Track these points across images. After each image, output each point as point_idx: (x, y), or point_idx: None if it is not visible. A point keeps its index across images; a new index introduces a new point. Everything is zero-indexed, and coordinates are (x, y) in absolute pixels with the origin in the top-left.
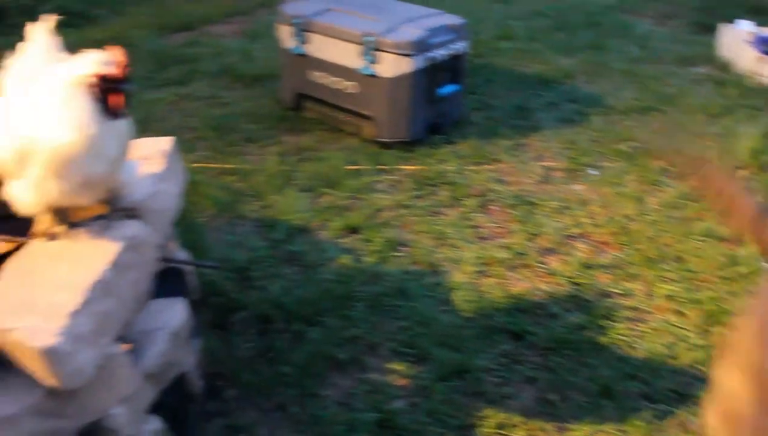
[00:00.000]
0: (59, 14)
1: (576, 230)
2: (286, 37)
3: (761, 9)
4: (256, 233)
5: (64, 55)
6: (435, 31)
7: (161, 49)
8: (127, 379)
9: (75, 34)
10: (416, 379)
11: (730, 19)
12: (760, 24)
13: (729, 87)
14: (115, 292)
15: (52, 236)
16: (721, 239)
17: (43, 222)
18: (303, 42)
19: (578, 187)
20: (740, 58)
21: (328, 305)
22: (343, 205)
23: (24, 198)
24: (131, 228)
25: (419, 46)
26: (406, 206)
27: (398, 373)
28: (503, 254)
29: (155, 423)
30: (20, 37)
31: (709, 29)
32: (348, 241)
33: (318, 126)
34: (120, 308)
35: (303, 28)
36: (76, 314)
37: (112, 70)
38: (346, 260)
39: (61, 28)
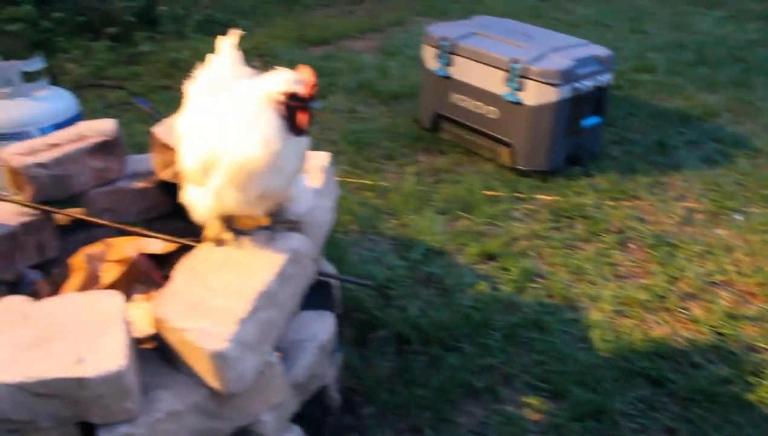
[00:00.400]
0: (206, 22)
1: (720, 277)
2: (429, 58)
3: None
4: (394, 252)
5: (247, 69)
6: (582, 61)
7: (300, 61)
8: (279, 387)
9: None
10: (550, 415)
11: None
12: None
13: None
14: (278, 302)
15: (220, 242)
16: None
17: (213, 228)
18: (447, 64)
19: (722, 232)
20: None
21: (465, 331)
22: (479, 230)
23: (201, 205)
24: (294, 241)
25: (566, 76)
26: (543, 237)
27: (532, 407)
28: (642, 296)
29: (297, 433)
30: (171, 44)
31: None
32: (484, 267)
33: (454, 148)
34: (280, 317)
35: (449, 51)
36: (244, 322)
37: (301, 89)
38: (482, 286)
39: (206, 35)
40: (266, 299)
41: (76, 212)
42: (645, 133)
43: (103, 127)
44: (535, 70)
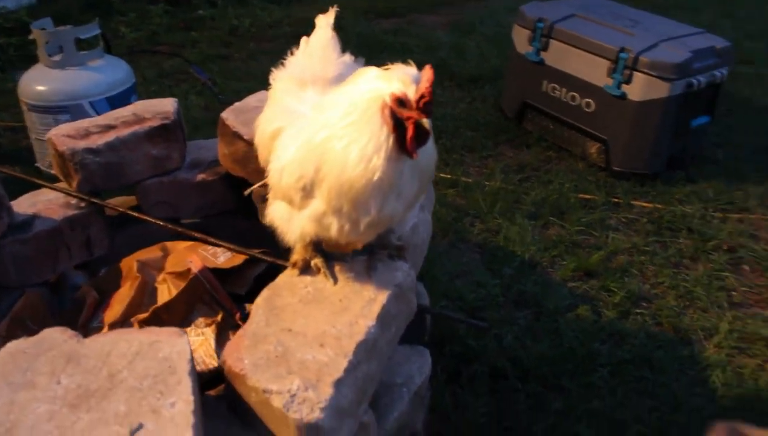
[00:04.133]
0: None
1: None
2: (521, 40)
3: None
4: (483, 264)
5: (345, 56)
6: (699, 53)
7: (370, 34)
8: None
9: (280, 12)
10: None
11: None
12: None
13: None
14: (377, 351)
15: (308, 270)
16: None
17: (301, 252)
18: (542, 48)
19: None
20: None
21: (569, 366)
22: (573, 240)
23: (294, 228)
24: (399, 273)
25: (681, 70)
26: (645, 252)
27: None
28: (765, 330)
29: None
30: (232, 10)
31: None
32: (583, 287)
33: (540, 142)
34: (378, 369)
35: (544, 34)
36: (339, 384)
37: (416, 94)
38: (583, 310)
39: (270, 3)
40: (365, 349)
41: (127, 206)
42: (752, 134)
43: (163, 107)
44: (646, 62)
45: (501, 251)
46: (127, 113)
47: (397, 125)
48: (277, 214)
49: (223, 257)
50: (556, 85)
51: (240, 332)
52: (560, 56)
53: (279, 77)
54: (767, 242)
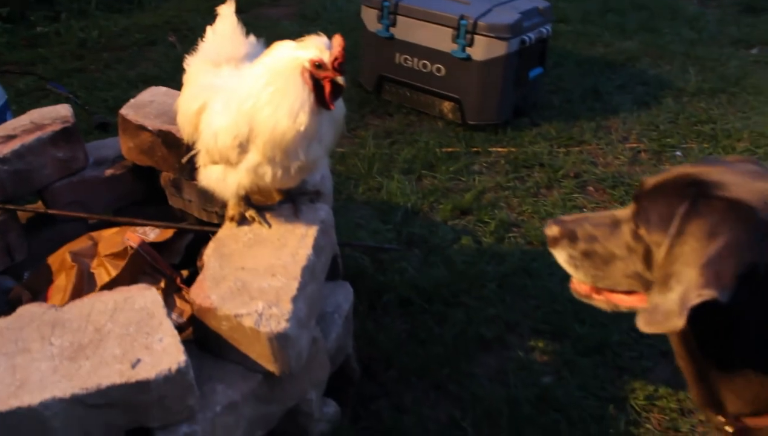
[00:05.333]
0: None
1: None
2: (371, 19)
3: None
4: (375, 217)
5: (250, 38)
6: (527, 14)
7: None
8: (323, 363)
9: (125, 20)
10: (559, 355)
11: None
12: None
13: None
14: (316, 275)
15: (243, 221)
16: None
17: (234, 207)
18: (390, 25)
19: (668, 168)
20: None
21: (463, 286)
22: (446, 186)
23: (230, 183)
24: (322, 212)
25: (514, 29)
26: (507, 188)
27: (540, 350)
28: None
29: (333, 406)
30: (75, 23)
31: (755, 11)
32: (462, 222)
33: (401, 109)
34: (318, 290)
35: (391, 11)
36: (296, 301)
37: (330, 57)
38: (466, 241)
39: (112, 13)
40: (308, 273)
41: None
42: (578, 81)
43: (59, 113)
44: (484, 26)
45: (386, 204)
46: (24, 122)
47: (315, 85)
48: (213, 175)
49: (152, 233)
50: (407, 57)
51: (199, 278)
52: (408, 30)
53: (193, 62)
54: (604, 166)
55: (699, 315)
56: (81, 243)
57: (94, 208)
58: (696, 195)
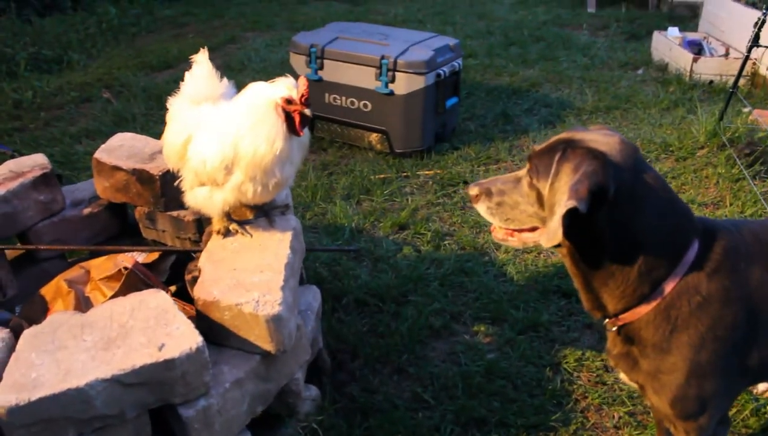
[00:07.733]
0: (36, 60)
1: None
2: (300, 65)
3: (677, 18)
4: (325, 235)
5: (223, 80)
6: (440, 51)
7: (154, 86)
8: (305, 347)
9: (58, 80)
10: (499, 336)
11: (655, 29)
12: (682, 30)
13: (670, 84)
14: (294, 271)
15: (228, 233)
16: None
17: (219, 222)
18: (318, 68)
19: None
20: (674, 59)
21: (410, 287)
22: (383, 207)
23: (216, 202)
24: (292, 220)
25: (430, 65)
26: (438, 204)
27: (483, 333)
28: None
29: (314, 390)
30: (6, 84)
31: (638, 37)
32: (401, 236)
33: (333, 144)
34: (296, 284)
35: (318, 56)
36: (284, 289)
37: (297, 94)
38: (407, 250)
39: (41, 73)
40: (290, 269)
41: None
42: (489, 107)
43: (36, 161)
44: (403, 63)
45: (332, 225)
46: (4, 171)
47: (287, 117)
48: (200, 196)
49: (140, 257)
50: (336, 96)
51: (199, 281)
52: (335, 72)
53: (175, 102)
54: None
55: (577, 233)
56: (73, 272)
57: (75, 244)
58: (566, 147)
